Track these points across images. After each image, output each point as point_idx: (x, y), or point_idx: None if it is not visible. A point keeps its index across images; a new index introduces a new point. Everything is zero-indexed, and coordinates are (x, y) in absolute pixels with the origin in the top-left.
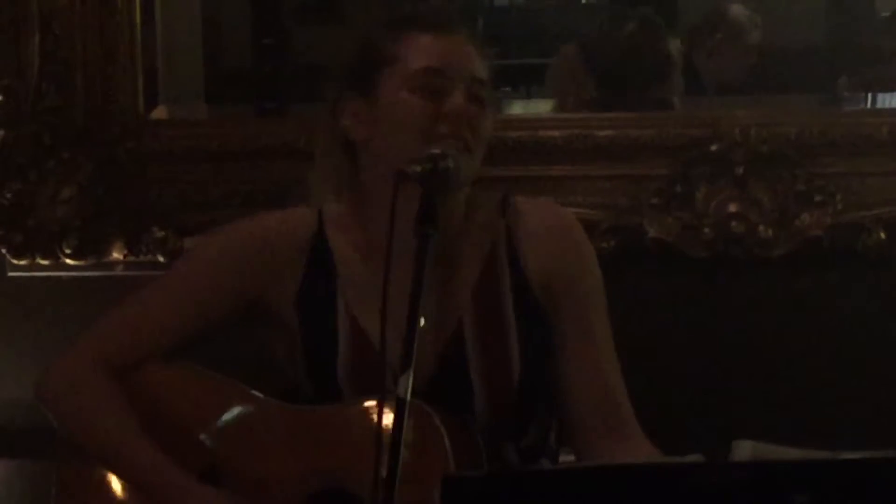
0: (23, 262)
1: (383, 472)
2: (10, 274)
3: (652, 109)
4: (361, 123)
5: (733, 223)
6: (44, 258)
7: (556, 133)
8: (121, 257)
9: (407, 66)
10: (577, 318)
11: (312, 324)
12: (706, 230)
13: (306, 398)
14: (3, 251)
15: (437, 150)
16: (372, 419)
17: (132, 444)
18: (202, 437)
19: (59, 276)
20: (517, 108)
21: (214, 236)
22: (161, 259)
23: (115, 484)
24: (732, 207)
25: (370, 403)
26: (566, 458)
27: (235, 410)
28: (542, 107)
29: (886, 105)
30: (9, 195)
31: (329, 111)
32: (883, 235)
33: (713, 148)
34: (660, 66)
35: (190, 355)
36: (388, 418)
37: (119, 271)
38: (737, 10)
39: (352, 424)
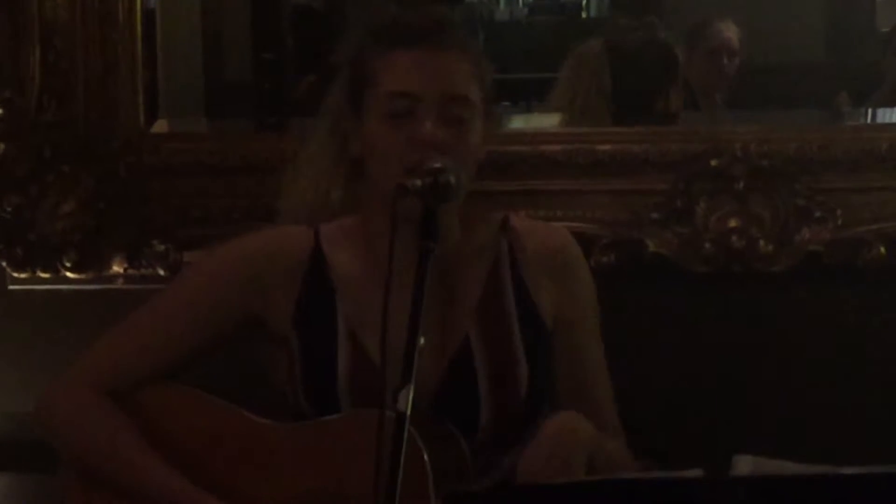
0: (23, 276)
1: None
2: (11, 287)
3: (657, 123)
4: (356, 141)
5: (733, 238)
6: (44, 272)
7: (556, 147)
8: (121, 271)
9: (381, 90)
10: (568, 336)
11: (311, 341)
12: (706, 245)
13: (303, 418)
14: (4, 265)
15: (437, 164)
16: (368, 434)
17: (141, 460)
18: (198, 459)
19: (60, 290)
20: (517, 123)
21: (209, 256)
22: (161, 273)
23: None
24: (732, 222)
25: (366, 417)
26: None
27: (230, 432)
28: (543, 121)
29: (886, 120)
30: (9, 209)
31: (332, 121)
32: (883, 250)
33: (713, 163)
34: (672, 68)
35: (186, 377)
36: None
37: (119, 285)
38: (717, 21)
39: (348, 439)
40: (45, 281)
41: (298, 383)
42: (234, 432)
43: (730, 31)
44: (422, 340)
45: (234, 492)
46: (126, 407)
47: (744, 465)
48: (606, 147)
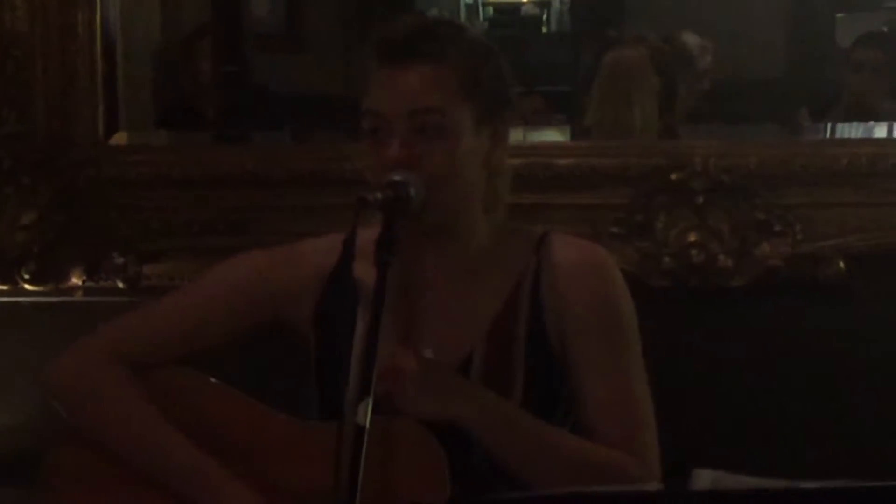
0: None
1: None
2: None
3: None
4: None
5: (693, 252)
6: (2, 284)
7: (516, 162)
8: (80, 283)
9: (362, 108)
10: (594, 355)
11: (329, 343)
12: (666, 259)
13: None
14: None
15: (398, 178)
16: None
17: (156, 430)
18: (207, 445)
19: (18, 302)
20: None
21: (242, 257)
22: (120, 285)
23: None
24: (692, 237)
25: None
26: None
27: (239, 422)
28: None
29: (846, 135)
30: None
31: None
32: (842, 265)
33: (673, 177)
34: (674, 82)
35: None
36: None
37: (78, 297)
38: (687, 37)
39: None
40: (3, 293)
41: (314, 384)
42: (246, 422)
43: (701, 47)
44: (429, 353)
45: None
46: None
47: (703, 479)
48: (566, 161)
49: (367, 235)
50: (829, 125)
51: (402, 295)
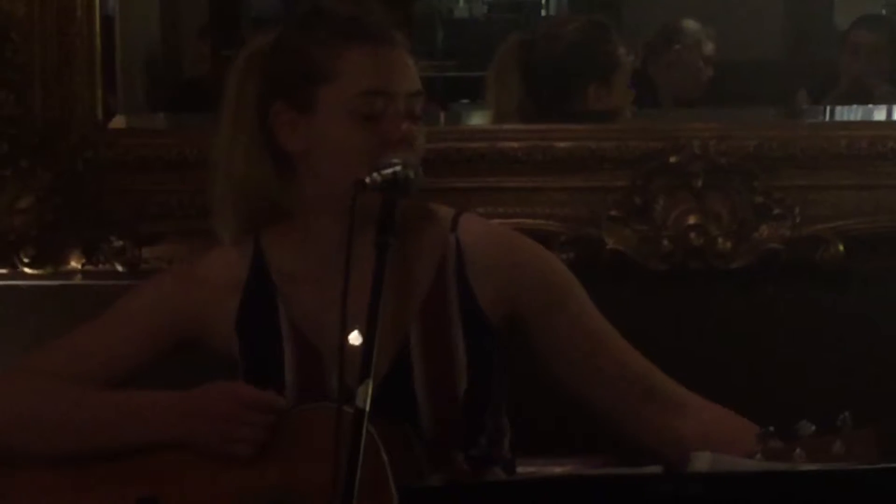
0: None
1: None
2: None
3: (586, 121)
4: (298, 136)
5: (692, 235)
6: (1, 267)
7: (515, 144)
8: (79, 266)
9: (346, 87)
10: (548, 320)
11: (255, 340)
12: (665, 242)
13: None
14: None
15: (397, 160)
16: (318, 430)
17: (96, 399)
18: (142, 464)
19: (17, 286)
20: (476, 120)
21: (154, 279)
22: (119, 268)
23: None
24: (691, 219)
25: (315, 413)
26: (526, 468)
27: None
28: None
29: (844, 118)
30: None
31: (256, 118)
32: (841, 248)
33: (672, 160)
34: (602, 66)
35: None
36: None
37: (77, 280)
38: (691, 23)
39: (296, 435)
40: (2, 276)
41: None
42: None
43: (705, 33)
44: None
45: (180, 492)
46: None
47: (702, 461)
48: (565, 144)
49: (274, 227)
50: (828, 108)
51: (338, 276)
